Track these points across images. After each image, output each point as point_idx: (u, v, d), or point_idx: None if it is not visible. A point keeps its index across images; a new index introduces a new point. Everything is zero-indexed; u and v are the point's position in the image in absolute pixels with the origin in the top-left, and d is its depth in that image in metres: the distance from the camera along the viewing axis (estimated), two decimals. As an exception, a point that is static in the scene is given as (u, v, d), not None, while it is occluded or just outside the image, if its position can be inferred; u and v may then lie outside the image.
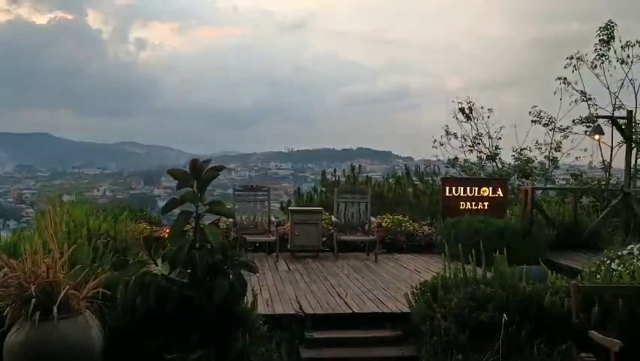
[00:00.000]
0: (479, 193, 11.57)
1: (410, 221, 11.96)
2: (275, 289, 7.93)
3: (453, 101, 18.40)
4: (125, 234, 8.58)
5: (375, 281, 8.54)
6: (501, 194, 11.63)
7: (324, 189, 15.75)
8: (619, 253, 6.96)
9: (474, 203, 11.54)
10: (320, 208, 10.90)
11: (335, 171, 17.23)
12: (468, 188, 11.59)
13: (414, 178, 17.44)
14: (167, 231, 10.16)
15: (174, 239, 4.98)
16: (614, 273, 6.51)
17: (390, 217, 11.77)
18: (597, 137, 13.18)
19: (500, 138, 18.70)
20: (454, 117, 18.44)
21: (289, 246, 10.47)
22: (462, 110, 18.55)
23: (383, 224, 11.26)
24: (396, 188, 16.08)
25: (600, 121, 13.39)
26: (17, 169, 64.66)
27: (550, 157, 17.95)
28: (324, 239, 10.95)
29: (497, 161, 18.69)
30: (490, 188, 11.59)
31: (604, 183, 16.15)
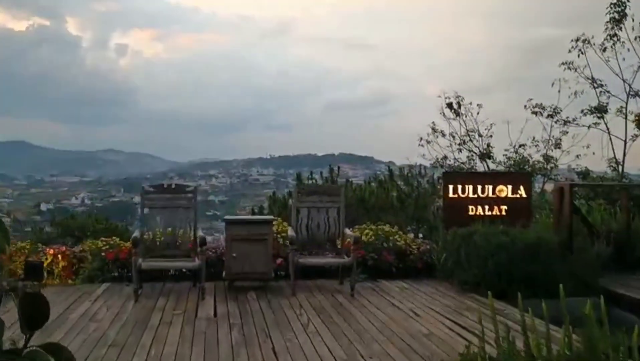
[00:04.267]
0: (494, 192, 7.87)
1: (400, 232, 8.20)
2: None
3: (440, 96, 15.05)
4: None
5: (352, 340, 4.75)
6: (524, 194, 7.90)
7: (299, 188, 12.47)
8: None
9: (487, 207, 7.81)
10: (271, 218, 7.07)
11: (311, 173, 14.23)
12: (479, 187, 7.85)
13: (398, 181, 14.26)
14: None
15: None
16: None
17: (373, 227, 8.00)
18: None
19: (491, 136, 15.43)
20: (440, 113, 15.05)
21: (223, 275, 6.68)
22: (449, 105, 15.12)
23: (363, 237, 7.54)
24: (379, 191, 12.90)
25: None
26: (-6, 177, 60.56)
27: (547, 156, 14.50)
28: (279, 261, 7.22)
29: (489, 159, 15.24)
30: (510, 186, 7.89)
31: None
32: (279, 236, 7.46)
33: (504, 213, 7.78)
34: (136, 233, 6.37)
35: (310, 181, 13.47)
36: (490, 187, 7.83)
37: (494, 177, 8.35)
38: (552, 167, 14.65)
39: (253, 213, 13.88)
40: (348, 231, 6.94)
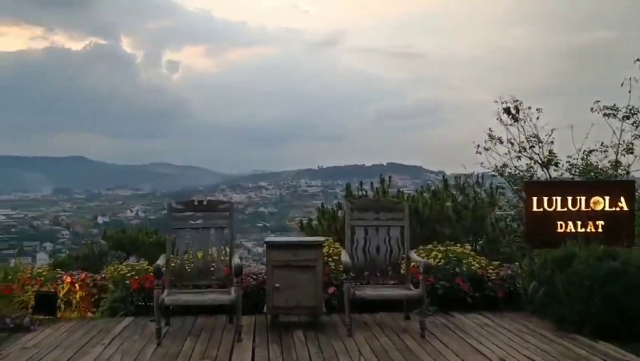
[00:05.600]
0: (587, 205, 6.38)
1: (473, 254, 6.77)
2: None
3: (496, 101, 13.59)
4: None
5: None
6: (625, 207, 6.40)
7: (352, 203, 11.32)
8: None
9: (579, 223, 6.36)
10: (320, 239, 5.71)
11: (361, 184, 12.97)
12: (569, 198, 6.39)
13: (453, 191, 12.85)
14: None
15: None
16: None
17: (442, 248, 6.61)
18: None
19: (552, 142, 13.83)
20: (497, 119, 13.58)
21: (265, 308, 5.45)
22: (507, 110, 13.62)
23: (431, 260, 6.18)
24: (432, 202, 11.47)
25: None
26: (54, 192, 61.79)
27: (617, 162, 12.75)
28: (331, 290, 5.93)
29: (551, 167, 13.60)
30: (607, 197, 6.39)
31: None
32: (330, 260, 6.18)
33: (600, 229, 6.28)
34: (160, 260, 5.19)
35: (360, 193, 12.19)
36: (583, 198, 6.35)
37: (588, 187, 6.84)
38: (624, 174, 12.90)
39: (301, 226, 12.65)
40: (414, 255, 5.58)
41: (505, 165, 13.40)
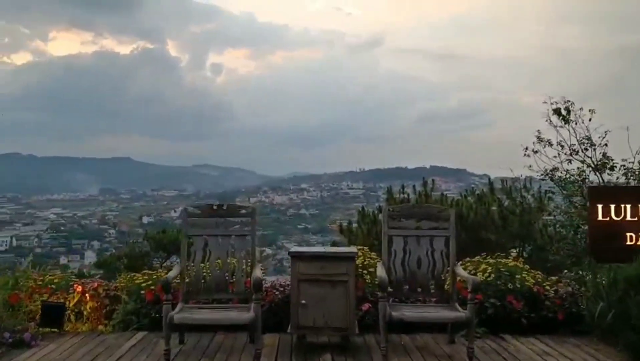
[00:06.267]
0: (662, 214, 5.49)
1: (527, 267, 5.93)
2: None
3: (545, 102, 12.64)
4: None
5: None
6: None
7: (390, 209, 10.69)
8: None
9: (653, 235, 5.48)
10: (352, 251, 4.94)
11: (403, 187, 12.24)
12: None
13: (500, 195, 12.01)
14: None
15: None
16: None
17: (492, 261, 5.75)
18: None
19: (606, 144, 12.75)
20: (547, 120, 12.62)
21: (289, 328, 4.74)
22: (557, 111, 12.65)
23: (479, 275, 5.40)
24: (477, 206, 10.70)
25: None
26: (101, 192, 63.00)
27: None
28: (365, 306, 5.23)
29: (606, 171, 12.52)
30: (686, 206, 5.49)
31: None
32: (365, 272, 5.47)
33: (676, 242, 5.40)
34: (173, 271, 4.61)
35: (402, 196, 11.48)
36: (658, 206, 5.47)
37: (663, 193, 5.95)
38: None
39: (341, 229, 12.02)
40: (461, 270, 4.81)
41: (555, 168, 12.42)
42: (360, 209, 12.78)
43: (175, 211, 56.62)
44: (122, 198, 62.46)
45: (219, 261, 4.85)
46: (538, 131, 12.23)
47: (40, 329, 5.06)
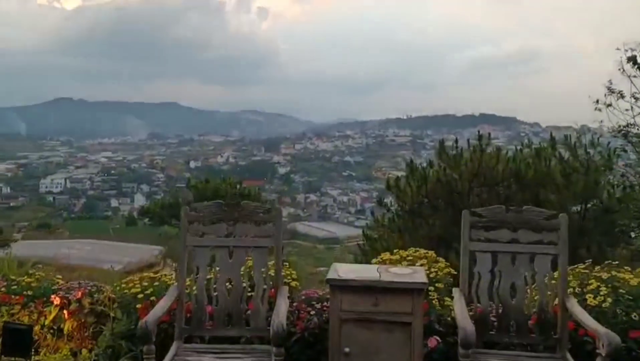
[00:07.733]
0: None
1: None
2: None
3: (619, 49, 11.25)
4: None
5: None
6: None
7: (442, 165, 9.95)
8: None
9: None
10: (420, 279, 3.19)
11: (457, 140, 11.06)
12: None
13: (562, 150, 10.91)
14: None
15: None
16: None
17: (604, 275, 3.76)
18: None
19: None
20: (619, 69, 11.25)
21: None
22: (632, 59, 11.32)
23: (589, 298, 3.58)
24: (535, 162, 9.76)
25: None
26: (149, 136, 64.09)
27: None
28: (432, 344, 3.41)
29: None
30: None
31: None
32: (431, 288, 3.80)
33: None
34: (162, 302, 3.20)
35: (454, 151, 10.45)
36: None
37: None
38: None
39: (388, 184, 10.96)
40: (577, 306, 3.19)
41: (630, 124, 11.28)
42: (409, 161, 11.87)
43: (221, 156, 57.25)
44: (169, 143, 63.60)
45: (230, 283, 3.47)
46: (609, 81, 11.07)
47: (3, 357, 3.57)
